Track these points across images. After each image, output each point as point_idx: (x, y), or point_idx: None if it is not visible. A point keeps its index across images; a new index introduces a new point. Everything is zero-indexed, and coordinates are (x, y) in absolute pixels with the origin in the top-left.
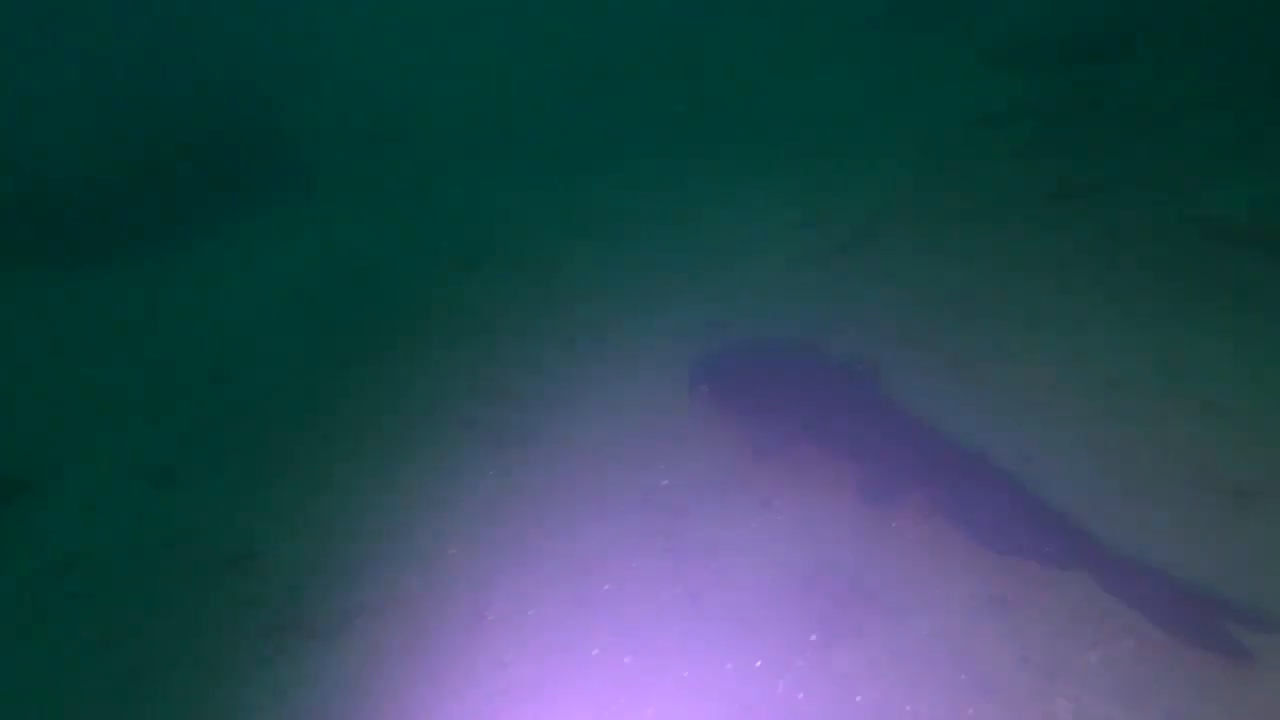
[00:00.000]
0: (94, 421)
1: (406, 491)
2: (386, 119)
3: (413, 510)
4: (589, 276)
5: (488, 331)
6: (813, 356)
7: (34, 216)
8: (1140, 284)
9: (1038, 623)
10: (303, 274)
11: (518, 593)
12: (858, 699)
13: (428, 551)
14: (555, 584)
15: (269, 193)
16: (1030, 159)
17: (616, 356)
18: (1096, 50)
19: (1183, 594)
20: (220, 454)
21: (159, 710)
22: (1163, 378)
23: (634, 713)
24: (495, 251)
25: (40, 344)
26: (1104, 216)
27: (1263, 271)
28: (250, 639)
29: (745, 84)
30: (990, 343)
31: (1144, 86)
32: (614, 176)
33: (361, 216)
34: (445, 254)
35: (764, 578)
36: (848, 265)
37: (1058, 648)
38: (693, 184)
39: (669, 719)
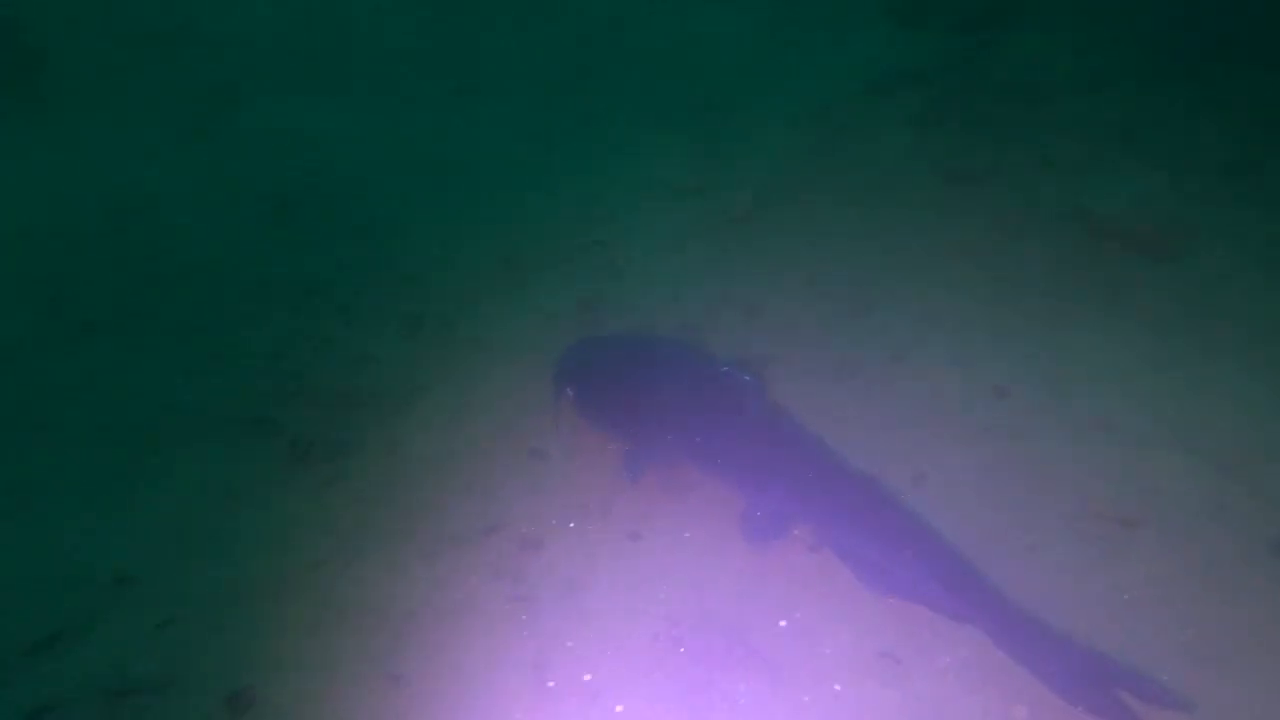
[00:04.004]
0: None
1: (154, 517)
2: (175, 12)
3: (158, 544)
4: (441, 239)
5: (299, 306)
6: (696, 354)
7: None
8: (1028, 282)
9: (929, 684)
10: (26, 213)
11: (303, 666)
12: None
13: (176, 614)
14: (361, 653)
15: None
16: (925, 134)
17: (469, 345)
18: (989, 13)
19: (1076, 654)
20: None
21: None
22: (1047, 389)
23: None
24: (316, 198)
25: None
26: (995, 204)
27: (1141, 275)
28: None
29: (622, 19)
30: (882, 342)
31: (1032, 59)
32: (473, 116)
33: (129, 140)
34: (245, 198)
35: (626, 629)
36: (737, 243)
37: (948, 716)
38: (568, 132)
39: None
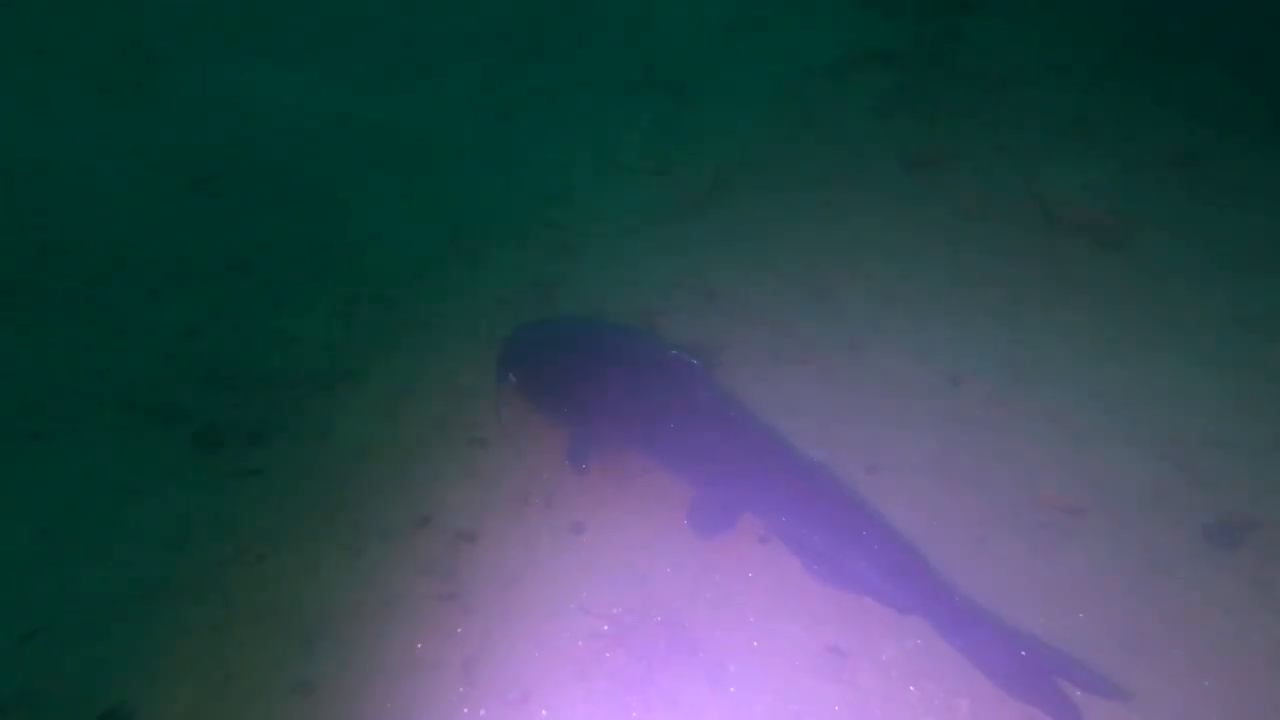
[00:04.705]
0: None
1: (23, 514)
2: None
3: (27, 545)
4: (381, 216)
5: (217, 283)
6: (649, 337)
7: None
8: (984, 269)
9: (873, 678)
10: None
11: (195, 676)
12: None
13: (45, 623)
14: (265, 659)
15: None
16: (887, 118)
17: (409, 327)
18: None
19: (1017, 644)
20: None
21: None
22: (1002, 377)
23: None
24: (244, 170)
25: None
26: (954, 190)
27: (1091, 262)
28: None
29: None
30: (839, 328)
31: (993, 45)
32: (421, 87)
33: (25, 99)
34: (162, 166)
35: (564, 626)
36: (696, 225)
37: (891, 712)
38: (523, 107)
39: None
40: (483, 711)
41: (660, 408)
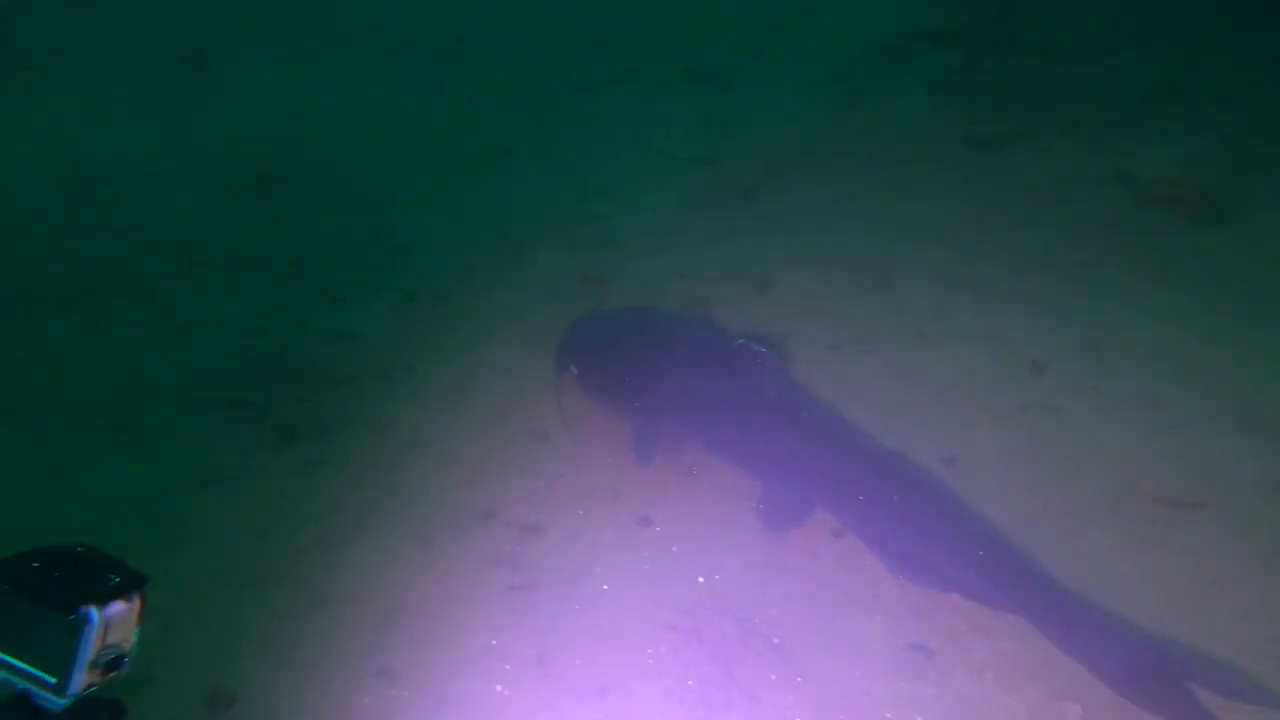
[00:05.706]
0: None
1: (123, 502)
2: None
3: (128, 531)
4: (432, 213)
5: (281, 281)
6: (708, 330)
7: None
8: (1063, 252)
9: (968, 679)
10: None
11: (286, 660)
12: None
13: (150, 605)
14: (347, 646)
15: None
16: (948, 97)
17: (464, 321)
18: None
19: (1134, 647)
20: None
21: None
22: (1087, 364)
23: None
24: (300, 170)
25: None
26: (1023, 170)
27: (1186, 241)
28: None
29: None
30: (905, 316)
31: (1062, 16)
32: (467, 84)
33: (96, 106)
34: (224, 168)
35: (635, 621)
36: (748, 215)
37: (992, 716)
38: (565, 103)
39: None
40: (561, 703)
41: (727, 398)
